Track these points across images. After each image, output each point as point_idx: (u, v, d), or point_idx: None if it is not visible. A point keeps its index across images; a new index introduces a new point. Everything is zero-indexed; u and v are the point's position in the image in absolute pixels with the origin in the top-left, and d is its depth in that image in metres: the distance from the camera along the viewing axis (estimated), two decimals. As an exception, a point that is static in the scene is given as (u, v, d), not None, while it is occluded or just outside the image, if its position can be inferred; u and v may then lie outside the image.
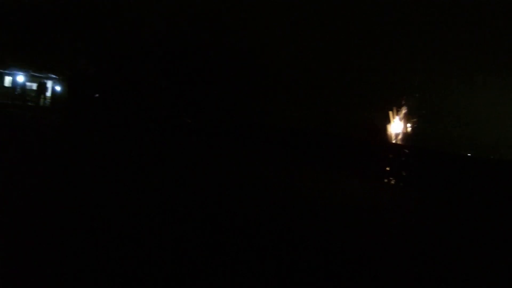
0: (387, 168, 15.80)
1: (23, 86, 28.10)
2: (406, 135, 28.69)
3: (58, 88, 28.89)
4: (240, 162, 13.03)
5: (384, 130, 29.58)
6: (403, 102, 30.77)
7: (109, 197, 5.94)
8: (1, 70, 26.37)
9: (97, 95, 18.81)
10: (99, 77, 21.10)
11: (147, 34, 24.91)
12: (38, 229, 4.17)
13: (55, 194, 5.73)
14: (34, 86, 27.97)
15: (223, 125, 22.65)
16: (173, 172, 9.01)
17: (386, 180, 14.44)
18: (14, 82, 28.04)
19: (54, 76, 28.74)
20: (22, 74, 27.67)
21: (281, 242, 4.80)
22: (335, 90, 34.96)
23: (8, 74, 27.66)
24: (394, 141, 27.68)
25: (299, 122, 29.16)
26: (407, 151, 17.86)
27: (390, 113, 30.72)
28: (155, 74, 23.57)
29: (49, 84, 29.32)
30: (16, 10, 23.82)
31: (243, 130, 21.98)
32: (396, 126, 29.34)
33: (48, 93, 29.02)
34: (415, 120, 29.50)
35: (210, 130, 21.29)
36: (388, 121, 30.74)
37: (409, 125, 29.51)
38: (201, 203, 6.33)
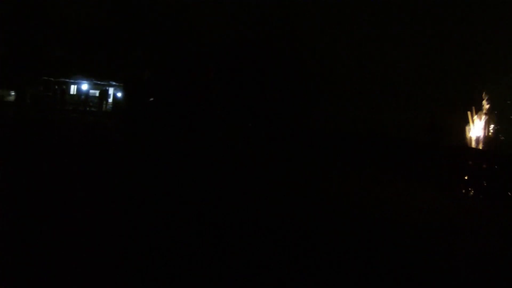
0: (465, 177, 14.37)
1: (86, 93, 30.56)
2: (488, 139, 26.01)
3: (119, 94, 30.95)
4: (302, 168, 12.66)
5: (462, 132, 27.14)
6: (484, 100, 28.07)
7: (167, 198, 5.99)
8: (67, 80, 28.96)
9: (151, 99, 19.67)
10: (155, 81, 22.08)
11: (207, 37, 25.74)
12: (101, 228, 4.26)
13: (111, 194, 5.90)
14: (96, 93, 30.30)
15: (286, 130, 22.48)
16: (232, 176, 8.94)
17: (463, 191, 13.10)
18: (78, 90, 30.62)
19: (115, 83, 30.87)
20: (85, 83, 30.12)
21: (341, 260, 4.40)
22: (404, 89, 33.12)
23: (73, 83, 30.27)
24: (474, 146, 25.24)
25: (364, 127, 28.05)
26: (489, 157, 16.15)
27: (469, 113, 28.18)
28: (215, 77, 24.12)
29: (110, 91, 31.58)
30: (78, 24, 26.09)
31: (306, 135, 21.61)
32: (476, 128, 26.74)
33: (110, 99, 31.25)
34: (498, 121, 26.68)
35: (272, 135, 21.21)
36: (467, 123, 28.21)
37: (492, 126, 26.74)
38: (262, 208, 6.13)
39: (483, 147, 24.01)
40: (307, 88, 27.53)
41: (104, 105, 29.48)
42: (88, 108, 28.85)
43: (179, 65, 21.83)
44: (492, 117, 26.88)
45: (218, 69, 22.35)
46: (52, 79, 26.88)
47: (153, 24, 24.72)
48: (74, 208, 5.36)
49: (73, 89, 30.89)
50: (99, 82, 30.55)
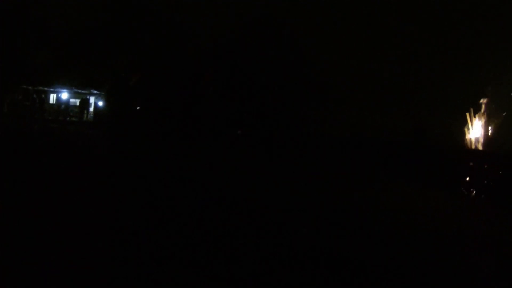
0: (466, 178, 14.77)
1: (66, 102, 30.47)
2: (487, 140, 26.66)
3: (100, 103, 30.90)
4: (293, 175, 12.87)
5: (462, 134, 27.81)
6: (482, 102, 28.81)
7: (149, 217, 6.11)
8: (46, 88, 28.85)
9: (138, 107, 19.80)
10: (142, 87, 22.14)
11: (199, 42, 25.99)
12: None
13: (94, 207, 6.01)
14: (77, 102, 30.23)
15: (276, 136, 22.72)
16: (219, 184, 9.10)
17: (465, 192, 13.45)
18: (58, 99, 30.52)
19: (96, 91, 30.84)
20: (65, 91, 30.04)
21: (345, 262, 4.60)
22: (401, 91, 33.78)
23: (53, 92, 30.16)
24: (473, 147, 25.87)
25: (359, 130, 28.49)
26: (488, 157, 16.63)
27: (467, 114, 28.89)
28: (205, 84, 24.32)
29: (91, 99, 31.53)
30: (58, 31, 26.18)
31: (295, 139, 21.85)
32: (475, 130, 27.43)
33: (91, 108, 31.19)
34: (497, 122, 27.40)
35: (262, 142, 21.41)
36: (465, 124, 28.89)
37: (490, 128, 27.45)
38: (250, 218, 6.29)
39: (482, 148, 24.61)
40: (297, 92, 27.93)
41: (85, 115, 29.42)
42: (68, 118, 28.77)
43: (169, 70, 21.97)
44: (492, 117, 27.56)
45: (212, 74, 22.56)
46: (31, 87, 26.78)
47: (139, 27, 24.89)
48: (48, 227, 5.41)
49: (52, 98, 30.76)
50: (79, 91, 30.47)
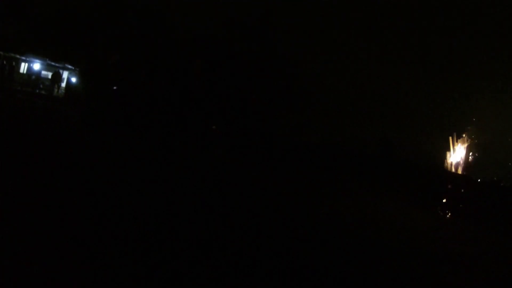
0: (443, 200, 15.33)
1: (38, 74, 29.65)
2: (467, 164, 27.74)
3: (73, 79, 30.24)
4: (267, 177, 13.03)
5: (443, 158, 28.81)
6: (465, 127, 29.93)
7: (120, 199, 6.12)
8: (18, 56, 27.98)
9: (115, 87, 19.48)
10: (120, 70, 21.85)
11: (178, 30, 25.96)
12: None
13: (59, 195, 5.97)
14: (49, 75, 29.45)
15: (254, 136, 22.84)
16: (189, 178, 9.15)
17: (441, 213, 13.98)
18: (29, 69, 29.68)
19: (70, 66, 30.19)
20: (38, 62, 29.22)
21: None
22: (377, 106, 34.58)
23: (24, 61, 29.29)
24: (453, 170, 26.84)
25: (334, 138, 29.05)
26: (468, 181, 17.29)
27: (450, 139, 29.90)
28: (184, 73, 24.24)
29: (64, 74, 30.81)
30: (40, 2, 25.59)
31: (274, 143, 22.07)
32: (456, 154, 28.49)
33: (63, 84, 30.45)
34: (478, 147, 28.55)
35: (236, 140, 21.49)
36: (447, 149, 29.91)
37: (471, 154, 28.59)
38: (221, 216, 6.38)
39: (462, 172, 25.56)
40: (272, 95, 28.28)
41: (56, 89, 28.68)
42: (38, 90, 28.00)
43: (152, 57, 21.74)
44: (473, 144, 28.68)
45: (197, 67, 22.50)
46: (2, 52, 25.91)
47: (125, 12, 24.66)
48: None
49: (23, 67, 29.88)
50: (53, 63, 29.72)
